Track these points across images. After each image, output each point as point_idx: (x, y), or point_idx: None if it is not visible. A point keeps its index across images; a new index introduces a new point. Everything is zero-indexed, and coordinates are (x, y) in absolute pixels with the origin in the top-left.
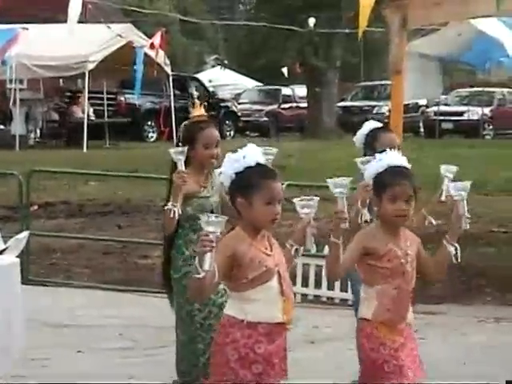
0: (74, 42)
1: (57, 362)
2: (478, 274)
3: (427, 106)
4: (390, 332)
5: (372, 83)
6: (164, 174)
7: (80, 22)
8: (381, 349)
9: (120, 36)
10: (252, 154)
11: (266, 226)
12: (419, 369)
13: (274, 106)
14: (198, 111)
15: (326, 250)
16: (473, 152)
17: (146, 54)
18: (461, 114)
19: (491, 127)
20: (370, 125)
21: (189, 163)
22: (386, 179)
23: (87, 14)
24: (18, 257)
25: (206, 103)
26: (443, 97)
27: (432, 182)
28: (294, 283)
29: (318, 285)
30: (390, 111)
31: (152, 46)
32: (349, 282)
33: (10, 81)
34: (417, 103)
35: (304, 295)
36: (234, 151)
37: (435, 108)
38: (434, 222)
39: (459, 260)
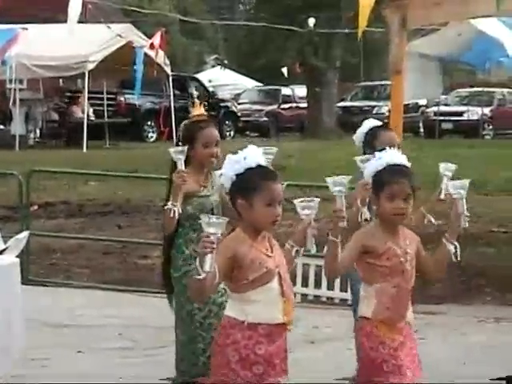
0: (74, 42)
1: (57, 362)
2: (478, 273)
3: (427, 106)
4: (389, 330)
5: (372, 83)
6: (164, 174)
7: (80, 21)
8: (380, 348)
9: (120, 36)
10: (253, 155)
11: (267, 228)
12: (418, 368)
13: (274, 106)
14: (198, 110)
15: None
16: (473, 152)
17: (145, 54)
18: (461, 114)
19: (491, 127)
20: (369, 123)
21: (189, 162)
22: (385, 177)
23: (87, 14)
24: (17, 257)
25: (205, 103)
26: (443, 97)
27: (432, 182)
28: (294, 283)
29: (317, 285)
30: (389, 111)
31: (152, 46)
32: (349, 282)
33: (10, 81)
34: (417, 103)
35: (304, 295)
36: (235, 152)
37: (435, 108)
38: (433, 220)
39: (459, 258)
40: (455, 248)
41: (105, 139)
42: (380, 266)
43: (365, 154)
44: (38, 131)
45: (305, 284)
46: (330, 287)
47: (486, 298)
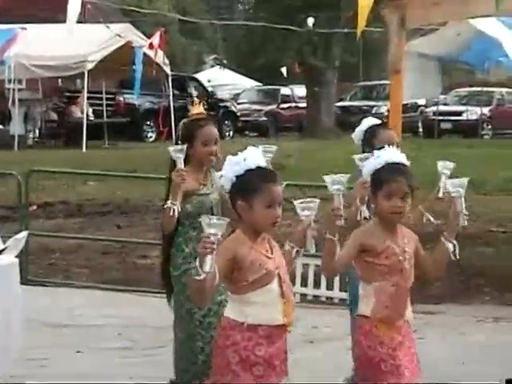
0: (73, 42)
1: (56, 361)
2: (477, 273)
3: (426, 106)
4: (388, 329)
5: (371, 83)
6: (163, 174)
7: (79, 21)
8: (378, 347)
9: (119, 36)
10: (253, 156)
11: (267, 229)
12: (417, 368)
13: (273, 106)
14: (197, 109)
15: None
16: (471, 152)
17: (145, 54)
18: (460, 113)
19: (490, 127)
20: (368, 122)
21: (188, 161)
22: (383, 176)
23: (86, 14)
24: (17, 257)
25: (204, 103)
26: (442, 96)
27: (431, 182)
28: (294, 283)
29: (317, 285)
30: (388, 111)
31: (151, 45)
32: (347, 281)
33: (9, 81)
34: (416, 103)
35: (303, 295)
36: (235, 154)
37: (434, 108)
38: (431, 219)
39: (457, 257)
40: (454, 246)
41: (104, 139)
42: (379, 264)
43: (364, 152)
44: (36, 131)
45: (304, 284)
46: (330, 287)
47: (484, 298)
